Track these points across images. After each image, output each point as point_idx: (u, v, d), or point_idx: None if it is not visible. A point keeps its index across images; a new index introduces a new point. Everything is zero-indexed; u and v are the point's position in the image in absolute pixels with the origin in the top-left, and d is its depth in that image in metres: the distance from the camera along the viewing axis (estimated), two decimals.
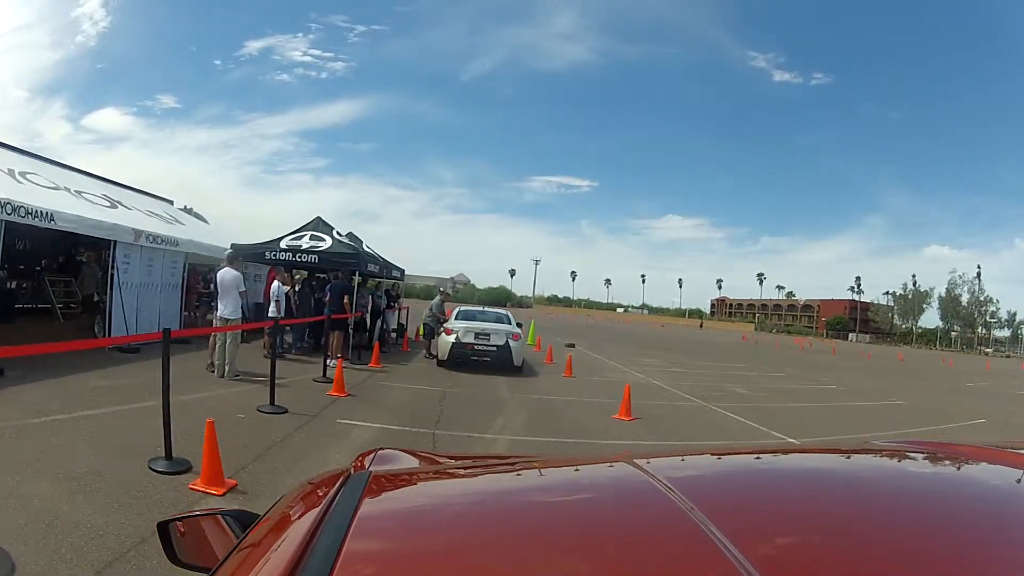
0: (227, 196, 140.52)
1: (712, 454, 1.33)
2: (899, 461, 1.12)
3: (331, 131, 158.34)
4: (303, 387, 7.80)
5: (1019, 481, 0.95)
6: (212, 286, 13.25)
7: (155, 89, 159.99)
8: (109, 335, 10.32)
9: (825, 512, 0.79)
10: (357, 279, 10.95)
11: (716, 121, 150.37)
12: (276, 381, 8.04)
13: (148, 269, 11.40)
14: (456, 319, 10.85)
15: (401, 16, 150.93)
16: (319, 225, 11.87)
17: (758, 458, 1.25)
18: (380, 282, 13.35)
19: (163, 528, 1.08)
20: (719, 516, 0.69)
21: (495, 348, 10.08)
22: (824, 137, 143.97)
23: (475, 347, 10.02)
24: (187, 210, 23.77)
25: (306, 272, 13.01)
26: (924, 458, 1.13)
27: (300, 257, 11.03)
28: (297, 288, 12.03)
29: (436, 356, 10.76)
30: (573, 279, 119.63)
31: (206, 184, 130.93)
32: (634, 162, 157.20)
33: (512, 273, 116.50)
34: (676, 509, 0.73)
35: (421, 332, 12.07)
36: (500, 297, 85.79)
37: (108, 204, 11.81)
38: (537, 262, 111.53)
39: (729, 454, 1.40)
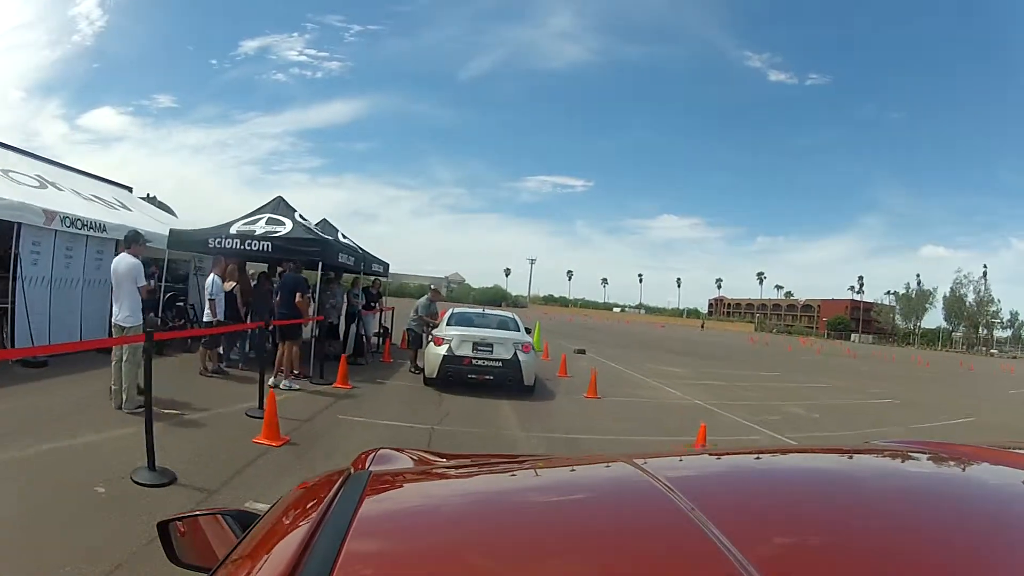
0: (225, 196, 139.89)
1: (711, 454, 1.30)
2: (899, 461, 1.12)
3: (328, 131, 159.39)
4: (224, 426, 5.43)
5: (1019, 481, 0.96)
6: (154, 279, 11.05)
7: (152, 89, 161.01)
8: (13, 343, 8.09)
9: (825, 512, 0.78)
10: (320, 273, 8.57)
11: (711, 121, 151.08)
12: (193, 415, 5.77)
13: (67, 261, 9.13)
14: (448, 324, 8.42)
15: (397, 16, 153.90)
16: (279, 206, 9.49)
17: (758, 458, 1.21)
18: (357, 278, 10.96)
19: (163, 528, 1.06)
20: (719, 516, 0.68)
21: (499, 363, 7.66)
22: (819, 137, 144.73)
23: (473, 362, 7.63)
24: (150, 199, 21.33)
25: (266, 265, 10.63)
26: (924, 458, 1.11)
27: (250, 245, 8.64)
28: (253, 284, 9.65)
29: (423, 371, 8.39)
30: (569, 278, 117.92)
31: (204, 184, 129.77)
32: (630, 162, 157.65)
33: (507, 272, 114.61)
34: (676, 509, 0.72)
35: (407, 339, 9.66)
36: (495, 297, 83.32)
37: (37, 184, 9.62)
38: (533, 261, 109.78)
39: (729, 454, 1.36)
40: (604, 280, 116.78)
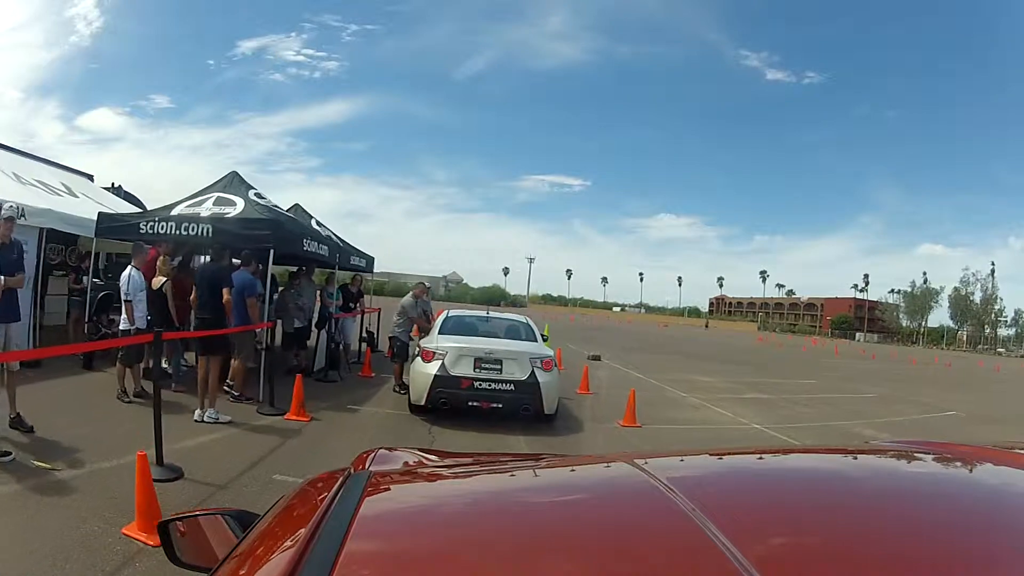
0: None
1: (712, 454, 1.25)
2: (900, 461, 1.11)
3: (324, 130, 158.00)
4: (100, 495, 3.64)
5: (1019, 481, 0.95)
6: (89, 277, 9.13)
7: (149, 89, 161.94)
8: None
9: (826, 512, 0.77)
10: (271, 265, 6.64)
11: (708, 120, 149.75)
12: (67, 473, 3.91)
13: None
14: (441, 333, 6.36)
15: (394, 15, 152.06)
16: (231, 183, 7.59)
17: (760, 458, 1.21)
18: (332, 274, 9.02)
19: (163, 528, 1.05)
20: (720, 516, 0.67)
21: (510, 387, 5.62)
22: (816, 136, 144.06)
23: (475, 384, 5.61)
24: (114, 189, 19.22)
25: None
26: (924, 458, 1.10)
27: (188, 229, 6.75)
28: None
29: (407, 394, 6.44)
30: (569, 277, 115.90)
31: (200, 183, 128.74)
32: (627, 161, 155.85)
33: (506, 272, 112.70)
34: (676, 509, 0.72)
35: (393, 349, 7.61)
36: (494, 296, 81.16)
37: None
38: (532, 260, 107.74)
39: (729, 454, 1.30)
40: (604, 279, 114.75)
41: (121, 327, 6.06)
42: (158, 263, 6.57)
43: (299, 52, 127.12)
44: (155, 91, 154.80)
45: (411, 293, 7.72)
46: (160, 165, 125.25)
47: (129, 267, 6.03)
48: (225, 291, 5.53)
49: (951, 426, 9.57)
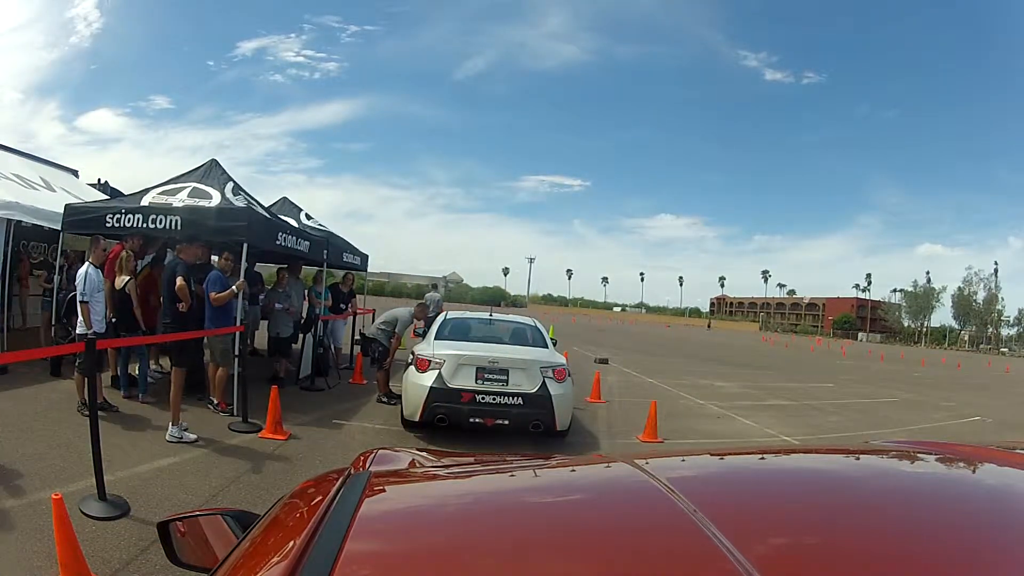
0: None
1: (712, 455, 1.21)
2: (900, 461, 1.09)
3: (324, 131, 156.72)
4: (21, 543, 2.96)
5: (1019, 481, 0.94)
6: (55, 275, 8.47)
7: (148, 90, 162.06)
8: None
9: (827, 513, 0.77)
10: (243, 264, 5.91)
11: (708, 120, 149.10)
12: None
13: None
14: (438, 338, 5.54)
15: (394, 16, 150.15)
16: (210, 172, 6.90)
17: (761, 459, 1.17)
18: (320, 272, 8.31)
19: (163, 528, 1.03)
20: (721, 517, 0.67)
21: (518, 401, 4.92)
22: (816, 136, 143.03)
23: (478, 397, 4.90)
24: (100, 185, 18.51)
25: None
26: (925, 458, 1.08)
27: (156, 222, 6.05)
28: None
29: (398, 404, 5.71)
30: (569, 277, 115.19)
31: None
32: (626, 161, 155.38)
33: (506, 272, 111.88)
34: (677, 510, 0.71)
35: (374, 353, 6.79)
36: (494, 296, 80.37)
37: None
38: (532, 260, 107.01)
39: (730, 455, 1.30)
40: (604, 279, 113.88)
41: (78, 331, 5.37)
42: (120, 259, 5.89)
43: (299, 53, 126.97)
44: (155, 92, 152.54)
45: (411, 310, 6.86)
46: (161, 166, 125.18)
47: (86, 264, 5.35)
48: (178, 279, 4.83)
49: (987, 432, 8.98)
